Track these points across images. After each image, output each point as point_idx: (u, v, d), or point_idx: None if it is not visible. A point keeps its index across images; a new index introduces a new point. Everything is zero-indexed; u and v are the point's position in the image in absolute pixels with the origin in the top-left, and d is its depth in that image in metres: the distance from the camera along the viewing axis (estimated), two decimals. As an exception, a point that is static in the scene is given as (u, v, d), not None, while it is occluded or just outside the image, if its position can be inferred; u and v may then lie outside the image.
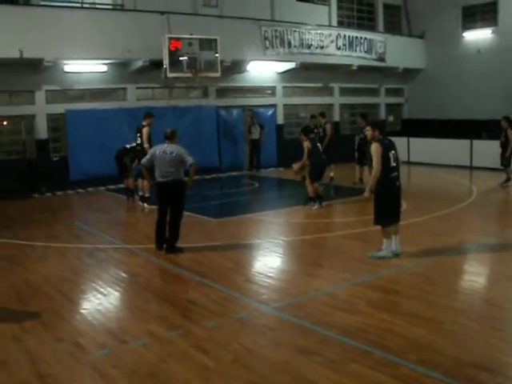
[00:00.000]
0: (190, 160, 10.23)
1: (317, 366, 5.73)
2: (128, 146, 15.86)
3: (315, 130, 19.53)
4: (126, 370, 5.80)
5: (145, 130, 14.83)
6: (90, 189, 19.12)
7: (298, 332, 6.70)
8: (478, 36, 26.28)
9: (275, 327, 6.89)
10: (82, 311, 7.69)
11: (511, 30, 24.52)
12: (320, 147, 14.77)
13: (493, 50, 25.46)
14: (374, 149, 9.31)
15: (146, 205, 15.05)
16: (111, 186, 19.07)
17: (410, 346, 6.14)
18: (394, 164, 9.39)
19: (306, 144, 14.33)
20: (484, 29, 26.03)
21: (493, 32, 25.66)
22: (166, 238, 10.55)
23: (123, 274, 9.38)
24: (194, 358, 6.00)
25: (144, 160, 10.68)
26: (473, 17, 26.61)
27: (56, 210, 15.78)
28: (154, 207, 14.12)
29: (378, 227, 9.70)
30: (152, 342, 6.48)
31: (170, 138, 10.53)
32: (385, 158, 9.23)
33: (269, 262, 10.03)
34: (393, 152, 9.40)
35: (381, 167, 9.23)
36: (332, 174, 17.98)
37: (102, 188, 19.21)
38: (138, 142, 15.06)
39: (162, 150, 10.36)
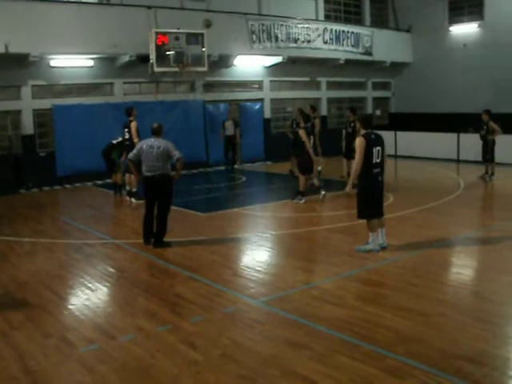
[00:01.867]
0: (177, 154, 10.24)
1: (305, 360, 5.75)
2: (115, 142, 15.81)
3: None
4: (114, 365, 5.79)
5: (133, 125, 14.78)
6: (78, 184, 19.05)
7: (286, 325, 6.72)
8: (465, 30, 26.35)
9: (263, 321, 6.91)
10: (70, 307, 7.67)
11: (497, 25, 24.60)
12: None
13: (479, 44, 25.54)
14: (358, 143, 9.35)
15: (133, 200, 15.03)
16: (99, 182, 19.02)
17: (397, 338, 6.18)
18: (378, 160, 9.40)
19: (302, 132, 14.34)
20: (470, 23, 26.10)
21: (479, 26, 25.73)
22: (154, 233, 10.55)
23: (111, 269, 9.36)
24: (182, 353, 6.01)
25: (131, 155, 10.66)
26: (459, 11, 26.67)
27: (43, 206, 15.72)
28: (142, 202, 14.17)
29: (365, 221, 9.74)
30: (140, 337, 6.47)
31: (157, 132, 10.53)
32: (368, 154, 9.26)
33: (257, 256, 10.04)
34: (378, 148, 9.41)
35: (362, 162, 9.27)
36: (320, 168, 17.99)
37: (90, 183, 19.15)
38: (126, 136, 15.00)
39: (149, 144, 10.36)
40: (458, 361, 5.58)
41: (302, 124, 14.68)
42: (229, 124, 21.73)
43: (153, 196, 10.44)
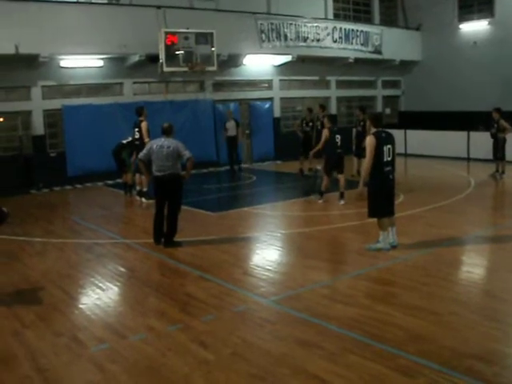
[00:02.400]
0: (187, 154, 10.26)
1: (316, 358, 5.75)
2: (125, 141, 15.84)
3: (310, 124, 19.59)
4: (125, 364, 5.82)
5: (143, 125, 14.84)
6: (88, 184, 19.11)
7: (296, 324, 6.72)
8: (475, 28, 26.22)
9: (274, 320, 6.91)
10: (81, 306, 7.70)
11: (507, 22, 24.48)
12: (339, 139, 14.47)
13: (489, 42, 25.43)
14: (368, 142, 9.33)
15: (143, 199, 15.07)
16: (109, 181, 19.08)
17: (408, 337, 6.16)
18: (389, 158, 9.38)
19: (325, 132, 14.26)
20: (480, 20, 25.97)
21: (489, 23, 25.61)
22: (164, 233, 10.57)
23: (122, 269, 9.39)
24: (193, 352, 6.02)
25: (141, 154, 10.69)
26: (469, 8, 26.56)
27: (54, 206, 15.78)
28: (152, 202, 14.20)
29: (375, 220, 9.72)
30: (151, 336, 6.49)
31: (167, 132, 10.55)
32: (379, 152, 9.24)
33: (267, 255, 10.04)
34: (388, 146, 9.39)
35: (373, 161, 9.25)
36: (319, 167, 17.89)
37: (100, 183, 19.20)
38: (137, 136, 15.04)
39: (159, 144, 10.38)
40: (468, 360, 5.56)
41: (328, 124, 14.48)
42: (230, 125, 21.25)
43: (163, 196, 10.46)
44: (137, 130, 15.05)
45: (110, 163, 16.55)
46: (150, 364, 5.79)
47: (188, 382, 5.42)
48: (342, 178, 14.30)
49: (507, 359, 5.61)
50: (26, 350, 6.23)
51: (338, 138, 14.17)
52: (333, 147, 14.11)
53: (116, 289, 8.48)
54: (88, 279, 8.88)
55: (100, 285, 8.53)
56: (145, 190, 15.04)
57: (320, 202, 14.26)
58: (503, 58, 24.43)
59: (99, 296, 8.04)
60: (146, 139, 14.49)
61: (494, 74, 24.69)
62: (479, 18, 26.07)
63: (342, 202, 14.02)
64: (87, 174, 19.06)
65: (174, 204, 10.49)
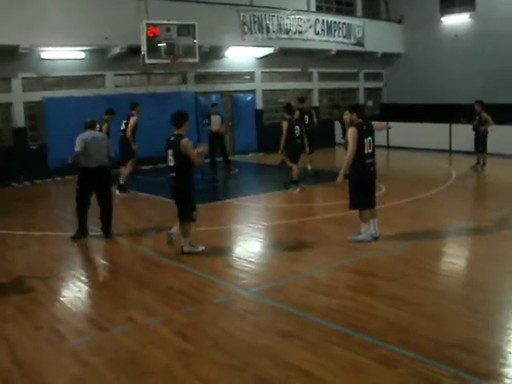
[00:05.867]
0: (112, 152, 11.02)
1: (297, 349, 5.76)
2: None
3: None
4: (106, 357, 5.79)
5: (132, 120, 14.85)
6: (69, 177, 18.93)
7: (278, 316, 6.73)
8: (456, 21, 26.30)
9: (255, 311, 6.92)
10: (62, 299, 7.66)
11: (488, 15, 24.56)
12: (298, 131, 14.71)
13: (470, 35, 25.53)
14: (351, 133, 9.35)
15: (118, 192, 14.99)
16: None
17: (389, 327, 6.19)
18: (370, 150, 9.42)
19: (285, 124, 14.48)
20: (462, 13, 26.06)
21: (470, 17, 25.69)
22: (103, 225, 10.85)
23: (103, 262, 9.37)
24: (174, 344, 6.01)
25: (78, 147, 10.64)
26: (451, 1, 26.62)
27: (35, 199, 15.66)
28: (126, 195, 14.24)
29: (357, 211, 9.75)
30: (132, 328, 6.47)
31: (91, 127, 11.11)
32: (360, 144, 9.26)
33: (249, 246, 10.04)
34: (369, 138, 9.42)
35: (355, 153, 9.27)
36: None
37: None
38: (122, 128, 14.99)
39: (91, 136, 10.81)
40: (449, 349, 5.60)
41: (288, 116, 14.83)
42: (215, 120, 19.77)
43: (91, 188, 10.72)
44: (124, 122, 15.01)
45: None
46: (131, 356, 5.77)
47: (169, 373, 5.41)
48: (295, 167, 14.67)
49: (486, 348, 5.65)
50: (5, 344, 6.18)
51: (297, 129, 14.72)
52: (292, 138, 14.54)
53: (97, 281, 8.46)
54: (69, 272, 8.83)
55: (81, 277, 8.50)
56: (122, 183, 15.03)
57: (297, 191, 14.35)
58: (484, 51, 24.50)
59: (80, 289, 8.01)
60: (129, 133, 14.51)
61: (476, 67, 24.79)
62: (460, 12, 26.15)
63: (298, 190, 14.51)
64: (68, 166, 18.86)
65: (107, 195, 10.90)
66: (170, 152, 9.10)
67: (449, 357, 5.44)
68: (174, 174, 9.23)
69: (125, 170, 15.08)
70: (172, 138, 9.12)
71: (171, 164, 9.15)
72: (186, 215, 9.35)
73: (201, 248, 9.52)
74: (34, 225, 12.23)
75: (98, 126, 14.73)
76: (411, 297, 7.14)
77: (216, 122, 19.80)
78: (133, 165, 15.37)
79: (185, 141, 8.98)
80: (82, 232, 10.67)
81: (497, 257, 8.89)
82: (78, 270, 8.86)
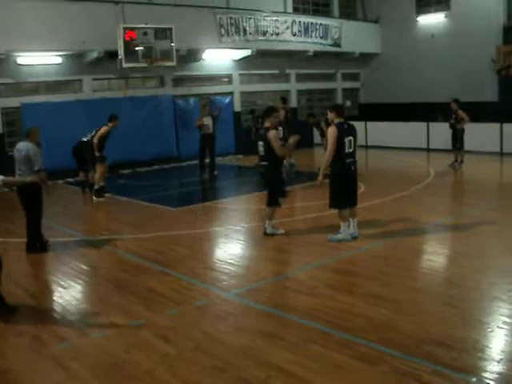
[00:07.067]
0: (37, 165, 10.10)
1: (278, 349, 5.80)
2: (85, 139, 15.66)
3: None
4: (88, 362, 5.78)
5: (104, 129, 14.82)
6: (48, 182, 18.78)
7: (259, 317, 6.77)
8: (432, 20, 26.54)
9: (236, 313, 6.94)
10: (43, 305, 7.63)
11: (463, 14, 24.80)
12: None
13: (446, 34, 25.77)
14: (330, 133, 9.39)
15: (94, 197, 14.96)
16: (70, 179, 18.83)
17: (369, 325, 6.25)
18: (350, 150, 9.47)
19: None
20: (437, 13, 26.29)
21: (446, 16, 25.94)
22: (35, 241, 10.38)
23: (83, 267, 9.31)
24: (156, 347, 6.02)
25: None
26: (426, 1, 26.86)
27: (14, 205, 15.50)
28: (102, 199, 14.20)
29: (336, 211, 9.80)
30: (114, 333, 6.47)
31: (27, 136, 10.38)
32: (340, 143, 9.31)
33: (229, 248, 10.06)
34: (350, 138, 9.46)
35: (334, 152, 9.32)
36: (293, 161, 17.96)
37: (60, 181, 18.94)
38: (92, 133, 14.98)
39: (16, 147, 10.18)
40: (428, 345, 5.67)
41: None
42: (208, 121, 18.69)
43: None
44: (96, 129, 14.97)
45: (70, 161, 16.34)
46: (112, 361, 5.76)
47: (151, 376, 5.42)
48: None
49: (464, 343, 5.72)
50: (-15, 351, 6.16)
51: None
52: None
53: (78, 287, 8.41)
54: (49, 278, 8.82)
55: (62, 283, 8.45)
56: (97, 187, 15.05)
57: None
58: (460, 50, 24.76)
59: (61, 294, 7.96)
60: (95, 140, 14.60)
61: (452, 66, 25.05)
62: (436, 11, 26.39)
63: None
64: (47, 172, 18.68)
65: (32, 213, 10.56)
66: (261, 143, 10.15)
67: (428, 353, 5.51)
68: (265, 163, 10.27)
69: (96, 175, 15.05)
70: (261, 132, 10.33)
71: (261, 154, 10.24)
72: (272, 200, 10.33)
73: (281, 231, 10.47)
74: (13, 231, 12.25)
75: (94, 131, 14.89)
76: (391, 295, 7.21)
77: (208, 123, 18.83)
78: (105, 167, 15.28)
79: (272, 133, 9.92)
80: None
81: (475, 253, 8.98)
82: (58, 276, 8.80)
